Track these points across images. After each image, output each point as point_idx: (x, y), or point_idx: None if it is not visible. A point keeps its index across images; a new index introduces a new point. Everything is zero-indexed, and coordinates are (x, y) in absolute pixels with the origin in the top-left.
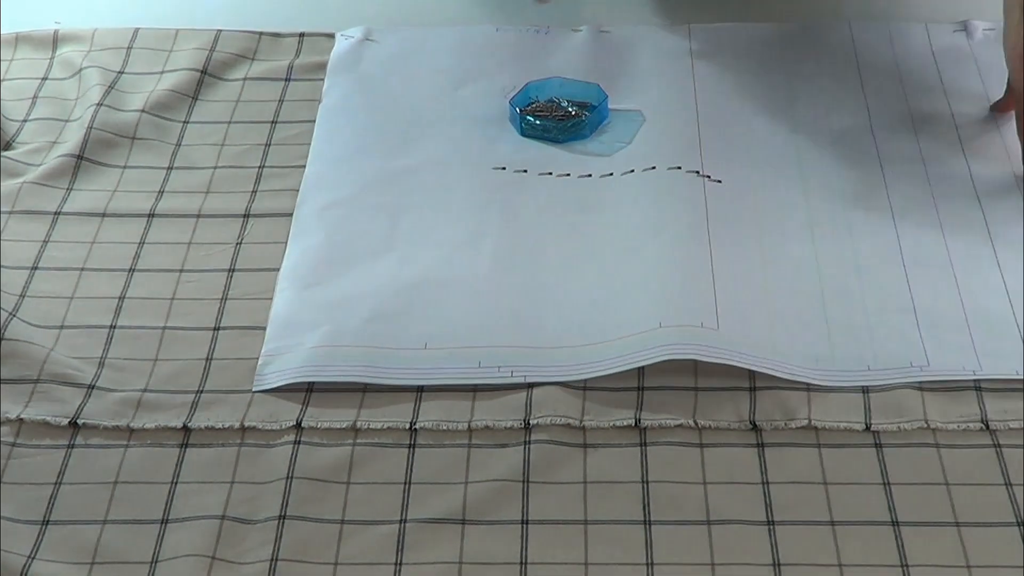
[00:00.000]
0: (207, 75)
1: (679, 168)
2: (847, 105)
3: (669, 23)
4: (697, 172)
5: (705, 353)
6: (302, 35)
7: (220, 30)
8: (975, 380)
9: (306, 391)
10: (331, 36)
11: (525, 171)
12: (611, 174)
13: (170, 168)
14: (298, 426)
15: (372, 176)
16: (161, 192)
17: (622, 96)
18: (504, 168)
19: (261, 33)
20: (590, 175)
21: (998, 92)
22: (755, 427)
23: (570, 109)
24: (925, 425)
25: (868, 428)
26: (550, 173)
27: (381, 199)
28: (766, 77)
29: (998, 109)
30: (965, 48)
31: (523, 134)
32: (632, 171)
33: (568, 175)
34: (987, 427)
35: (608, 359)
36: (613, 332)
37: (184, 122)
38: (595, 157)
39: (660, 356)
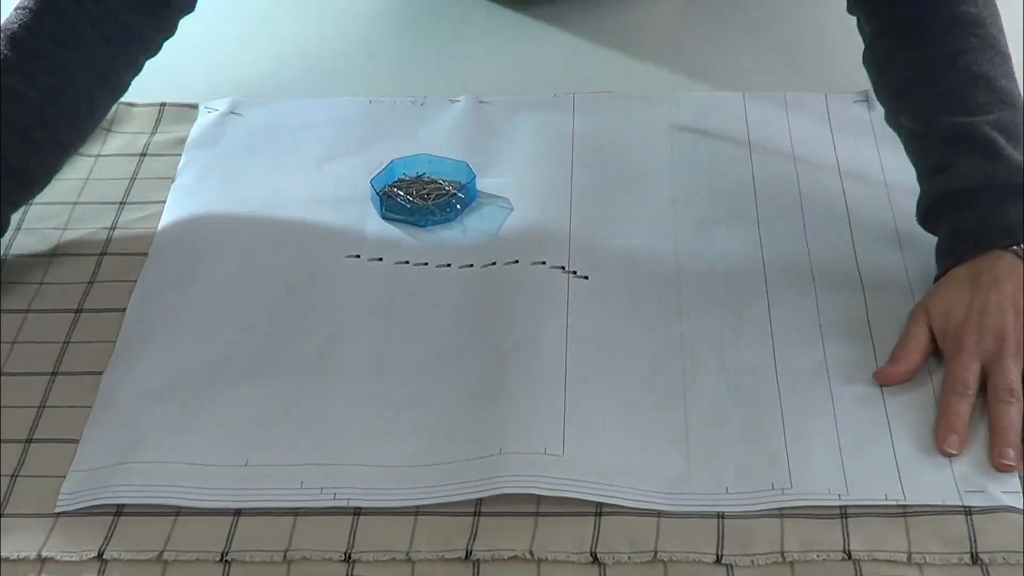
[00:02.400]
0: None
1: (543, 263)
2: (733, 184)
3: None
4: (562, 267)
5: (546, 486)
6: (163, 105)
7: None
8: (841, 506)
9: (115, 514)
10: (194, 107)
11: (380, 259)
12: (471, 265)
13: (4, 256)
14: (100, 558)
15: (215, 264)
16: None
17: (495, 175)
18: (359, 256)
19: (118, 104)
20: (449, 265)
21: (894, 166)
22: (596, 559)
23: (436, 189)
24: (781, 559)
25: (719, 560)
26: (407, 262)
27: (221, 292)
28: (651, 153)
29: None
30: (865, 119)
31: (384, 216)
32: (494, 263)
33: (426, 264)
34: (849, 557)
35: (441, 485)
36: (449, 453)
37: (27, 204)
38: (457, 246)
39: (496, 490)
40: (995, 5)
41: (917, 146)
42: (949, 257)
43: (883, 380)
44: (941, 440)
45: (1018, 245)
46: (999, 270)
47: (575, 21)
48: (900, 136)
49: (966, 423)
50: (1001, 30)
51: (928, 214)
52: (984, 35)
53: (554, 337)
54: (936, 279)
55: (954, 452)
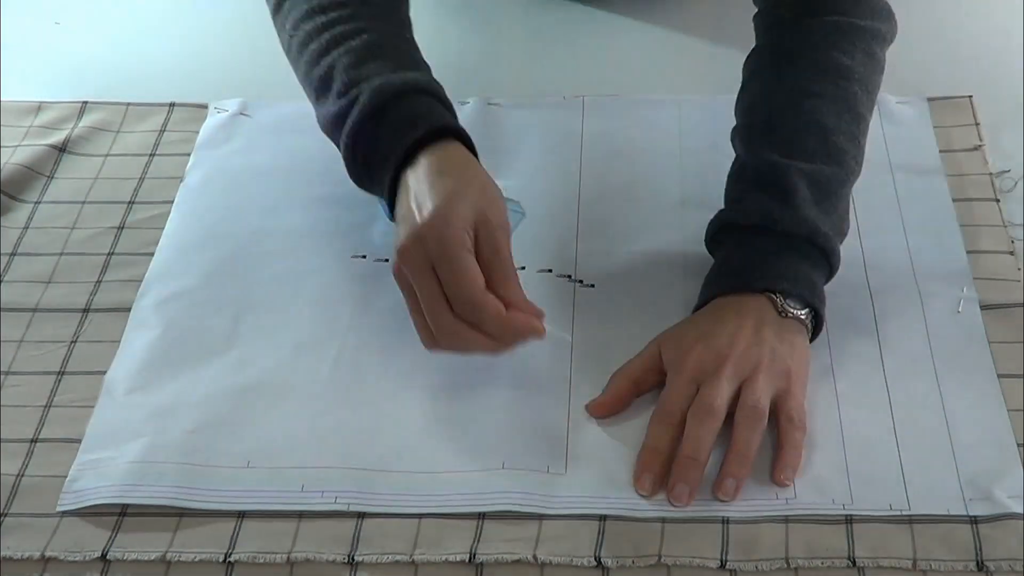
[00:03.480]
0: (65, 152)
1: (550, 271)
2: None
3: (565, 94)
4: (569, 276)
5: (548, 505)
6: (172, 105)
7: (86, 101)
8: (845, 515)
9: (119, 514)
10: (204, 107)
11: (387, 260)
12: None
13: (12, 255)
14: (103, 558)
15: (221, 265)
16: None
17: (503, 177)
18: (364, 257)
19: (128, 104)
20: None
21: (902, 169)
22: (600, 564)
23: None
24: (785, 565)
25: (723, 565)
26: None
27: (226, 292)
28: (659, 156)
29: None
30: (874, 121)
31: (391, 218)
32: None
33: None
34: (854, 564)
35: (443, 495)
36: (452, 463)
37: (36, 202)
38: None
39: (498, 506)
40: (876, 64)
41: (732, 171)
42: (710, 287)
43: (591, 411)
44: (635, 479)
45: (775, 294)
46: (746, 308)
47: (585, 24)
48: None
49: (666, 457)
50: (869, 90)
51: (710, 240)
52: (846, 88)
53: (559, 347)
54: (695, 308)
55: (645, 494)
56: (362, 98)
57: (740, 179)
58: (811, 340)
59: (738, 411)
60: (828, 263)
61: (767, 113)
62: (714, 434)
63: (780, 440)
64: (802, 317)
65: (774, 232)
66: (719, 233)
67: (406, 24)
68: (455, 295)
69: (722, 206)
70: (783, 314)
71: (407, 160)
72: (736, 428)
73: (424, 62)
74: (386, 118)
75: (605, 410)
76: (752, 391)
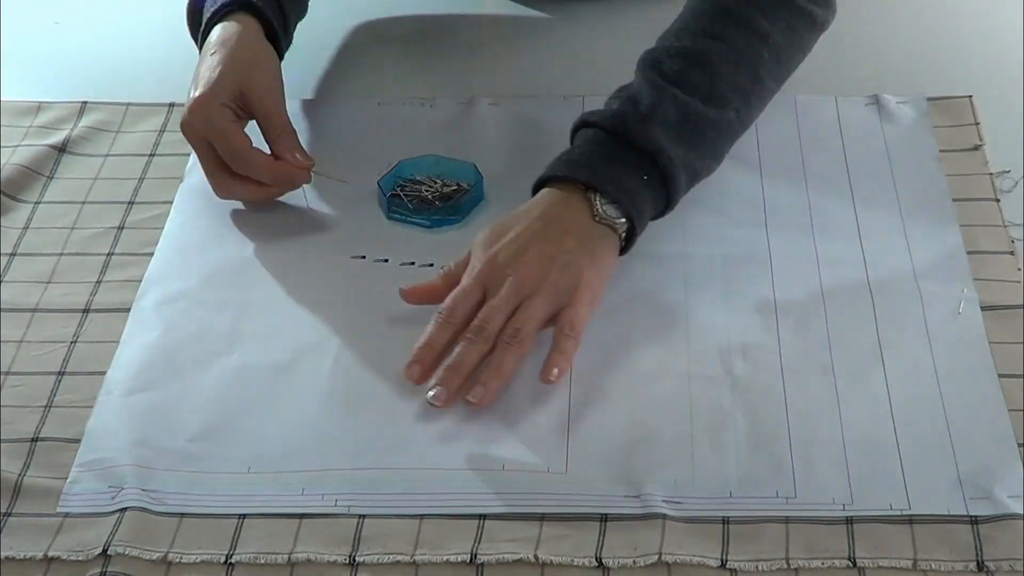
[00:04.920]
0: (65, 152)
1: None
2: (741, 188)
3: (566, 93)
4: None
5: (548, 504)
6: (171, 106)
7: (86, 102)
8: (845, 515)
9: (120, 515)
10: None
11: (386, 260)
12: None
13: (12, 255)
14: (105, 559)
15: (220, 266)
16: None
17: (503, 177)
18: (364, 257)
19: (128, 104)
20: None
21: (905, 169)
22: (601, 564)
23: (443, 190)
24: (786, 565)
25: (724, 564)
26: (413, 263)
27: (226, 292)
28: None
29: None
30: (875, 122)
31: (390, 217)
32: None
33: (431, 265)
34: (854, 565)
35: (444, 493)
36: (452, 461)
37: (35, 203)
38: (463, 247)
39: (498, 508)
40: (797, 40)
41: (625, 86)
42: (544, 172)
43: (403, 294)
44: (406, 367)
45: (596, 194)
46: (560, 204)
47: (586, 23)
48: None
49: (439, 354)
50: (780, 60)
51: (572, 137)
52: (755, 47)
53: None
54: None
55: (412, 381)
56: None
57: (620, 91)
58: (621, 253)
59: (503, 332)
60: (666, 189)
61: (671, 42)
62: (480, 356)
63: (553, 344)
64: (616, 225)
65: (620, 139)
66: (577, 130)
67: None
68: (226, 157)
69: (720, 206)
70: (596, 217)
71: (206, 33)
72: (496, 347)
73: None
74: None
75: (415, 296)
76: (523, 314)
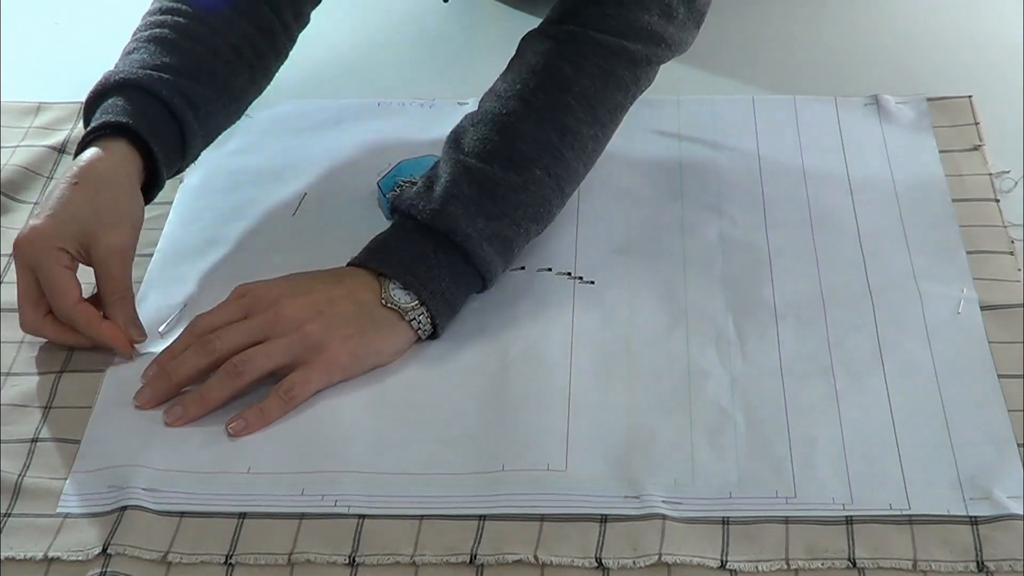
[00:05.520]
0: (65, 153)
1: (549, 269)
2: (741, 188)
3: None
4: (568, 274)
5: (548, 504)
6: None
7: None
8: (845, 515)
9: (120, 516)
10: None
11: None
12: None
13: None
14: (104, 554)
15: (220, 267)
16: None
17: None
18: None
19: None
20: None
21: (904, 170)
22: (601, 564)
23: None
24: (785, 566)
25: (724, 565)
26: None
27: (226, 293)
28: (659, 156)
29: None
30: (874, 123)
31: (390, 218)
32: None
33: None
34: (854, 565)
35: (444, 495)
36: (452, 464)
37: (35, 203)
38: None
39: (500, 508)
40: (615, 81)
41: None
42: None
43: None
44: (139, 392)
45: (385, 278)
46: (354, 279)
47: None
48: None
49: (171, 356)
50: (593, 105)
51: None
52: (558, 98)
53: (559, 346)
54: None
55: (142, 374)
56: (104, 77)
57: (428, 171)
58: (432, 336)
59: (226, 362)
60: (475, 267)
61: (479, 109)
62: (197, 369)
63: (264, 398)
64: (404, 310)
65: (416, 221)
66: (391, 216)
67: (237, 48)
68: (50, 301)
69: (719, 207)
70: (383, 301)
71: (82, 147)
72: (214, 374)
73: (220, 74)
74: (102, 101)
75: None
76: (259, 351)
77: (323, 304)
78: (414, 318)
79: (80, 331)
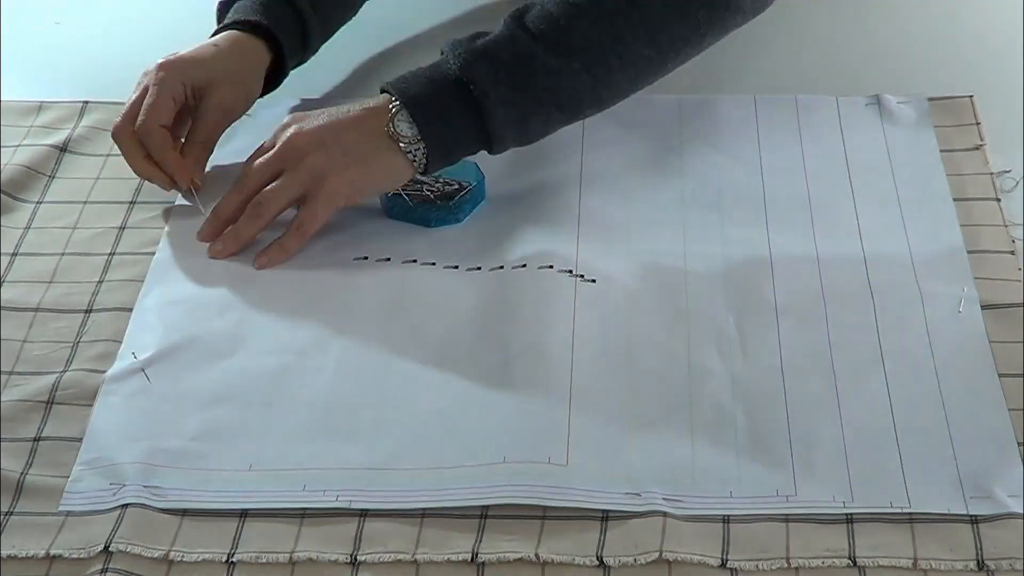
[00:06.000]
0: (66, 152)
1: (550, 267)
2: (742, 187)
3: None
4: (570, 271)
5: (549, 496)
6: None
7: (87, 101)
8: (846, 513)
9: (121, 514)
10: None
11: (388, 259)
12: (479, 268)
13: (14, 254)
14: (106, 551)
15: (223, 265)
16: (0, 281)
17: (503, 176)
18: (366, 258)
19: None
20: (456, 267)
21: (905, 169)
22: (602, 563)
23: (444, 189)
24: (786, 564)
25: (724, 564)
26: (414, 261)
27: (228, 293)
28: (661, 155)
29: None
30: (876, 122)
31: (391, 216)
32: (501, 267)
33: (433, 264)
34: (855, 564)
35: (446, 489)
36: (454, 458)
37: (37, 202)
38: (464, 246)
39: (500, 499)
40: (680, 12)
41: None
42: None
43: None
44: (200, 231)
45: (400, 108)
46: (367, 109)
47: None
48: None
49: (224, 223)
50: (652, 27)
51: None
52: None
53: (560, 342)
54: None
55: (200, 239)
56: None
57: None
58: (422, 173)
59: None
60: (484, 126)
61: None
62: (258, 229)
63: (282, 234)
64: (403, 141)
65: (445, 67)
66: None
67: None
68: (141, 116)
69: (721, 206)
70: (387, 130)
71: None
72: (243, 216)
73: None
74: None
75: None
76: (272, 188)
77: (327, 134)
78: (411, 151)
79: (151, 151)
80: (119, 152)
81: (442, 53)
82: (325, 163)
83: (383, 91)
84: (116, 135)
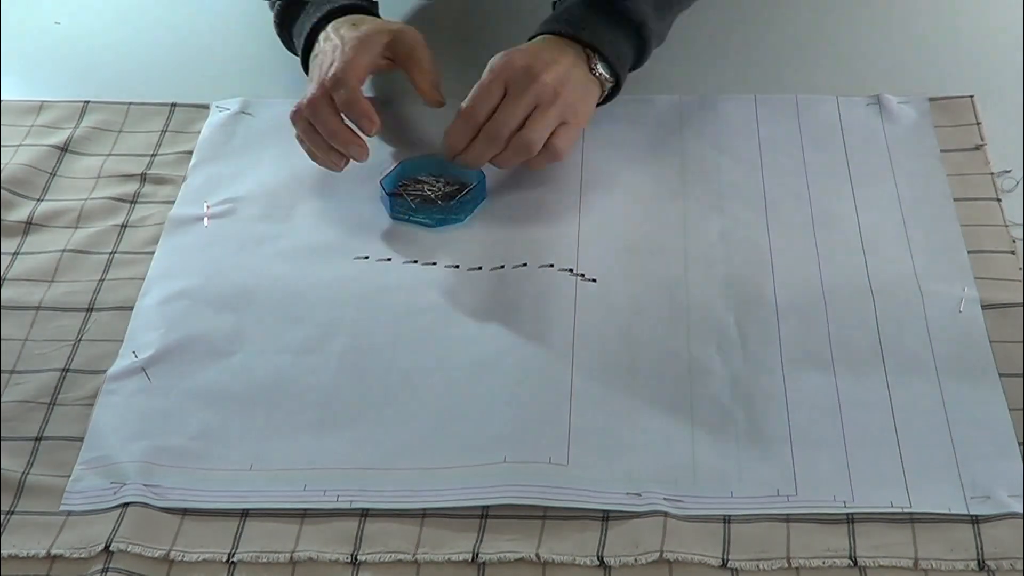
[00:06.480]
0: (67, 151)
1: (551, 266)
2: (743, 187)
3: None
4: (570, 270)
5: (550, 497)
6: (173, 105)
7: (88, 101)
8: (847, 513)
9: (122, 513)
10: (205, 107)
11: (389, 259)
12: (480, 268)
13: (16, 253)
14: (107, 550)
15: (223, 266)
16: (1, 280)
17: (505, 176)
18: (367, 257)
19: (130, 104)
20: (457, 266)
21: (905, 169)
22: (602, 563)
23: (445, 189)
24: (787, 564)
25: (725, 564)
26: (416, 261)
27: (228, 293)
28: (661, 155)
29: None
30: (876, 122)
31: (393, 216)
32: (502, 266)
33: (434, 264)
34: (855, 564)
35: (446, 489)
36: (454, 458)
37: (38, 200)
38: (465, 246)
39: (501, 499)
40: None
41: None
42: (546, 24)
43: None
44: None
45: (593, 52)
46: (567, 51)
47: None
48: None
49: (462, 143)
50: None
51: None
52: None
53: (561, 342)
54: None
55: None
56: None
57: None
58: (601, 104)
59: (514, 138)
60: (641, 53)
61: None
62: (492, 155)
63: (536, 154)
64: (605, 81)
65: (613, 7)
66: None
67: None
68: (338, 72)
69: (721, 205)
70: (594, 72)
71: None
72: (505, 149)
73: None
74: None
75: (452, 150)
76: (535, 124)
77: (564, 72)
78: (606, 90)
79: (346, 102)
80: (122, 152)
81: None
82: (576, 96)
83: (550, 33)
84: (311, 105)
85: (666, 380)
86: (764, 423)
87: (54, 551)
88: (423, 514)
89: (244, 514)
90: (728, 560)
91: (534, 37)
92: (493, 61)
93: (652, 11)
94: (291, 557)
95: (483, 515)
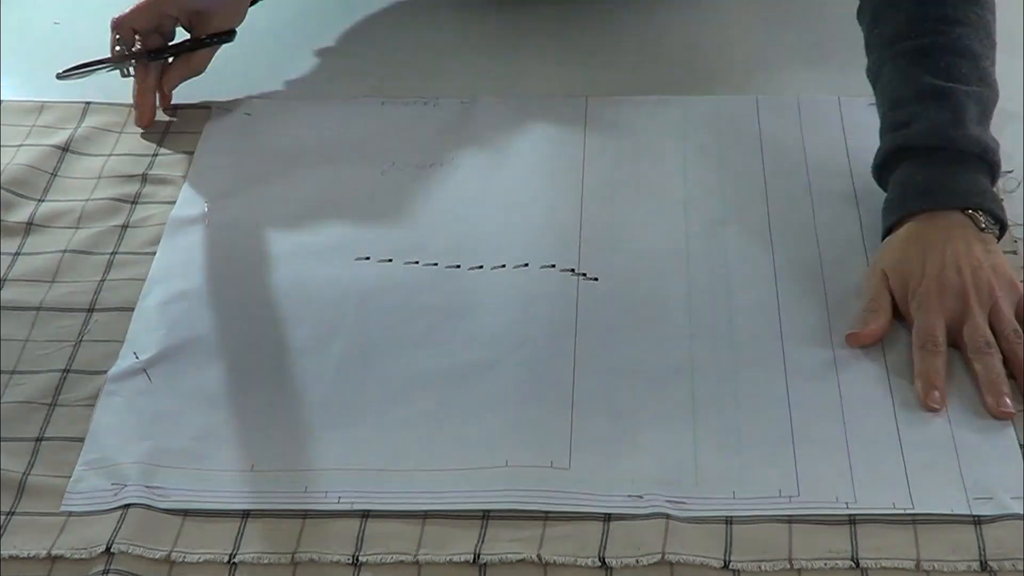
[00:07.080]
0: (68, 152)
1: (553, 266)
2: (744, 188)
3: (569, 93)
4: (572, 270)
5: (551, 501)
6: (174, 106)
7: (88, 102)
8: (849, 514)
9: (123, 514)
10: (206, 108)
11: (390, 260)
12: (481, 267)
13: (16, 254)
14: (108, 552)
15: (223, 266)
16: (2, 280)
17: (506, 175)
18: (368, 258)
19: (131, 105)
20: (458, 266)
21: None
22: (604, 564)
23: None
24: (789, 566)
25: (727, 565)
26: (416, 262)
27: (229, 293)
28: (663, 156)
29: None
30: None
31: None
32: (503, 266)
33: (436, 264)
34: (857, 565)
35: (447, 491)
36: (456, 460)
37: (39, 200)
38: (466, 244)
39: (502, 503)
40: None
41: (890, 98)
42: (897, 209)
43: (856, 342)
44: (924, 396)
45: (972, 211)
46: (950, 228)
47: (588, 23)
48: (876, 88)
49: (943, 379)
50: (994, 16)
51: (883, 166)
52: (981, 16)
53: (563, 343)
54: (884, 236)
55: (937, 407)
56: None
57: (902, 105)
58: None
59: (1000, 337)
60: (994, 178)
61: (918, 40)
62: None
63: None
64: (996, 230)
65: (950, 150)
66: (892, 158)
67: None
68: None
69: (723, 207)
70: (984, 229)
71: None
72: (1005, 349)
73: None
74: None
75: (871, 339)
76: (1001, 322)
77: (976, 265)
78: (996, 234)
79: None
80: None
81: (903, 150)
82: (995, 274)
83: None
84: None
85: (668, 381)
86: (766, 424)
87: (55, 552)
88: (424, 515)
89: (245, 515)
90: (730, 561)
91: (889, 227)
92: (899, 294)
93: (982, 132)
94: (292, 558)
95: (484, 516)
